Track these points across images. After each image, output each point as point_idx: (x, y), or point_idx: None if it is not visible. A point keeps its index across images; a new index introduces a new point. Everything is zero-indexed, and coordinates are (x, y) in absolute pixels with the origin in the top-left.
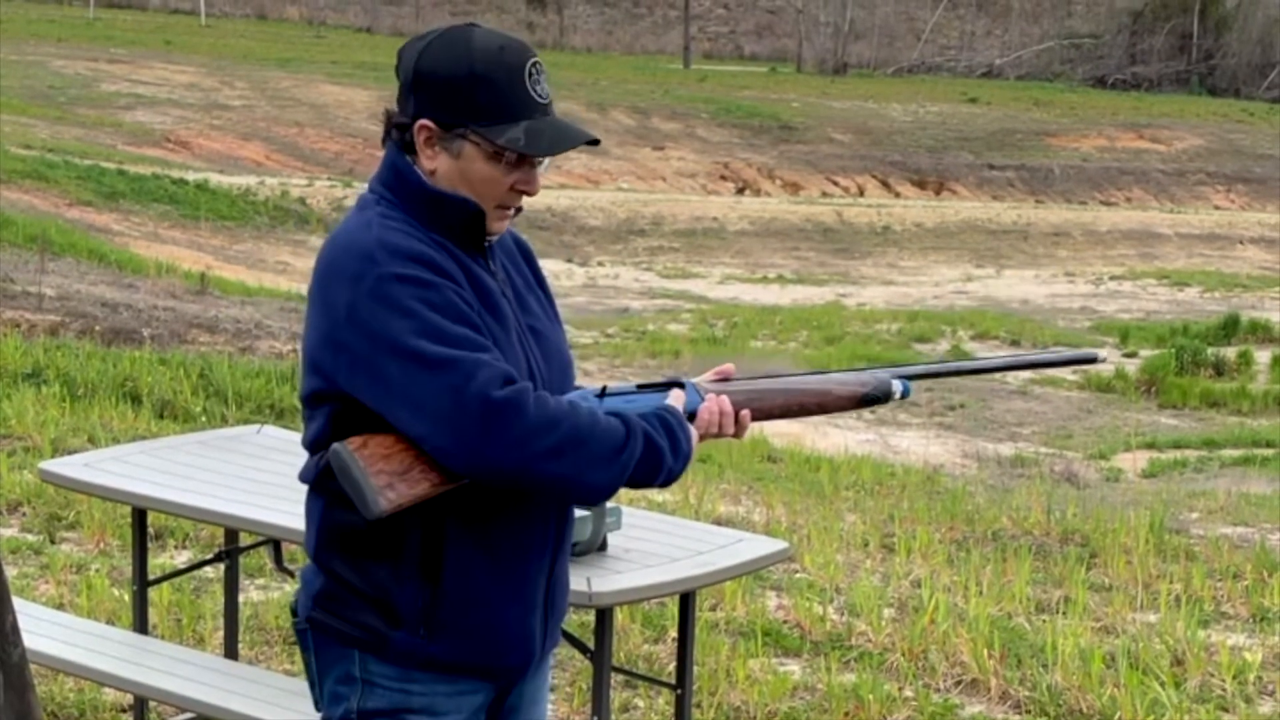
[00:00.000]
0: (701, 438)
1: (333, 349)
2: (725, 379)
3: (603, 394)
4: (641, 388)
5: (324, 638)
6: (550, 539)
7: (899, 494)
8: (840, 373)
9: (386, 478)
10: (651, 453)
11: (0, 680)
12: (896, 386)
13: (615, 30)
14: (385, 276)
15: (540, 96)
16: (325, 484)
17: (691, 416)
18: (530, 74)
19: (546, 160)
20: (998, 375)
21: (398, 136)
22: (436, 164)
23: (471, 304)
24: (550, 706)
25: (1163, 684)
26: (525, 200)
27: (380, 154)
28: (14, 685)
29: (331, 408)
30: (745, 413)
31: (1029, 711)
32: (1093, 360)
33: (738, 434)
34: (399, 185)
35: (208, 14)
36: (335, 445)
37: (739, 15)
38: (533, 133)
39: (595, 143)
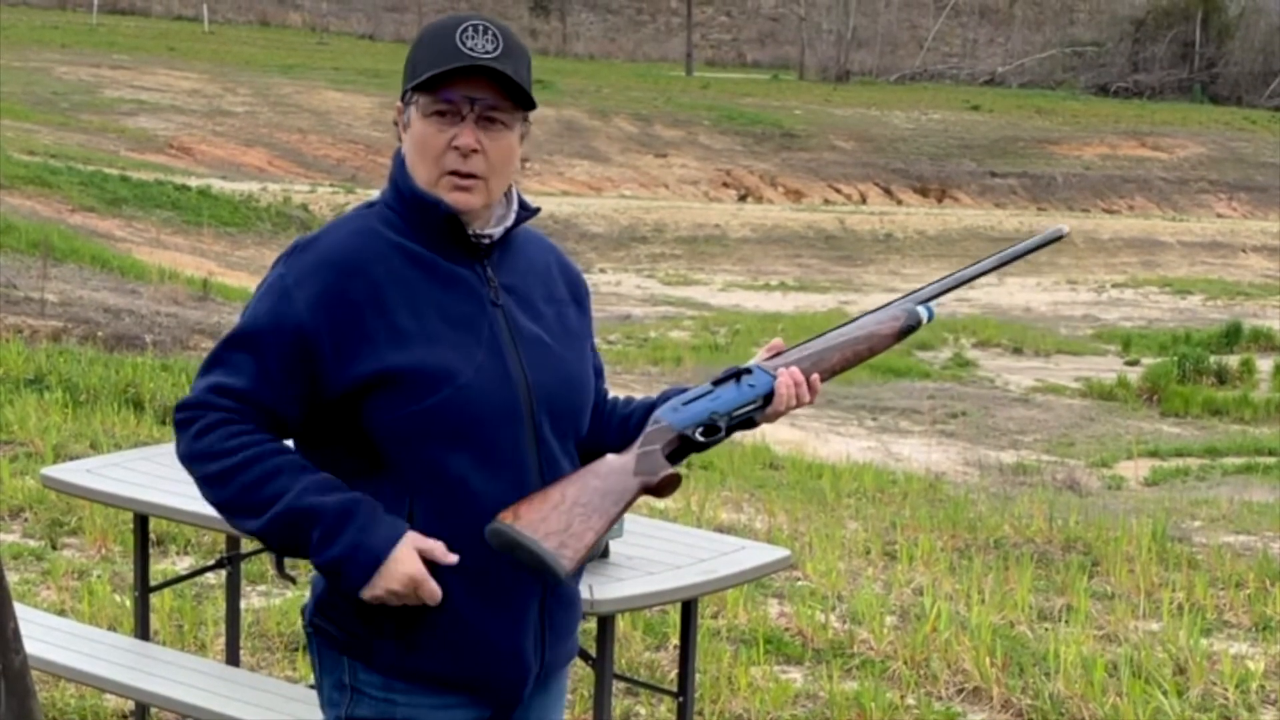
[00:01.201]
0: (782, 412)
1: None
2: (779, 353)
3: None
4: (715, 383)
5: (323, 642)
6: None
7: (901, 502)
8: (870, 314)
9: (556, 539)
10: (299, 538)
11: (2, 687)
12: (922, 313)
13: (618, 37)
14: (277, 269)
15: (470, 49)
16: None
17: (769, 398)
18: (464, 31)
19: (518, 130)
20: (999, 383)
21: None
22: (406, 144)
23: (421, 299)
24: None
25: (1165, 693)
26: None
27: (381, 160)
28: (15, 692)
29: None
30: (815, 377)
31: None
32: (1060, 236)
33: (811, 399)
34: (394, 187)
35: (211, 20)
36: (492, 527)
37: (741, 23)
38: (437, 68)
39: (525, 104)
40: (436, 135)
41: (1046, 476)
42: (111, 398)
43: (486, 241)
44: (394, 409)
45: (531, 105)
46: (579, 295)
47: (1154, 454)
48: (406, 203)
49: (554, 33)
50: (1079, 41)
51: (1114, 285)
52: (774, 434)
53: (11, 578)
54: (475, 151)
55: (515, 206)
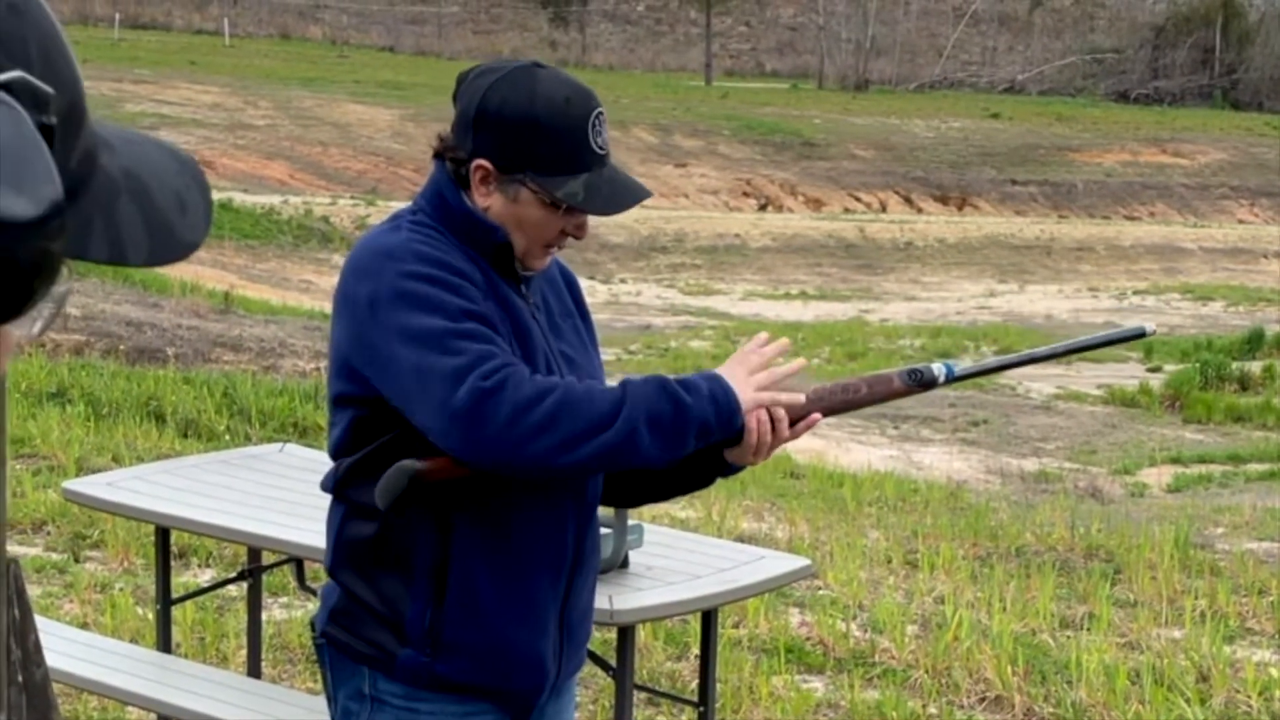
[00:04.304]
0: (754, 447)
1: (357, 344)
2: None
3: None
4: None
5: (338, 653)
6: (566, 561)
7: (922, 510)
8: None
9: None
10: (667, 404)
11: (23, 701)
12: (938, 370)
13: (637, 48)
14: (405, 273)
15: (599, 148)
16: (344, 494)
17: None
18: (593, 125)
19: None
20: (1021, 391)
21: (451, 169)
22: (490, 202)
23: (491, 312)
24: None
25: (1188, 701)
26: None
27: (402, 172)
28: (37, 705)
29: (354, 413)
30: (815, 415)
31: None
32: (1142, 334)
33: (789, 433)
34: (439, 203)
35: (231, 34)
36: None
37: (760, 32)
38: (592, 188)
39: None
40: (554, 222)
41: (1069, 484)
42: (133, 411)
43: (527, 275)
44: None
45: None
46: (580, 302)
47: (1176, 461)
48: (457, 220)
49: (573, 43)
50: (1099, 48)
51: (1135, 292)
52: (794, 443)
53: (34, 591)
54: None
55: None
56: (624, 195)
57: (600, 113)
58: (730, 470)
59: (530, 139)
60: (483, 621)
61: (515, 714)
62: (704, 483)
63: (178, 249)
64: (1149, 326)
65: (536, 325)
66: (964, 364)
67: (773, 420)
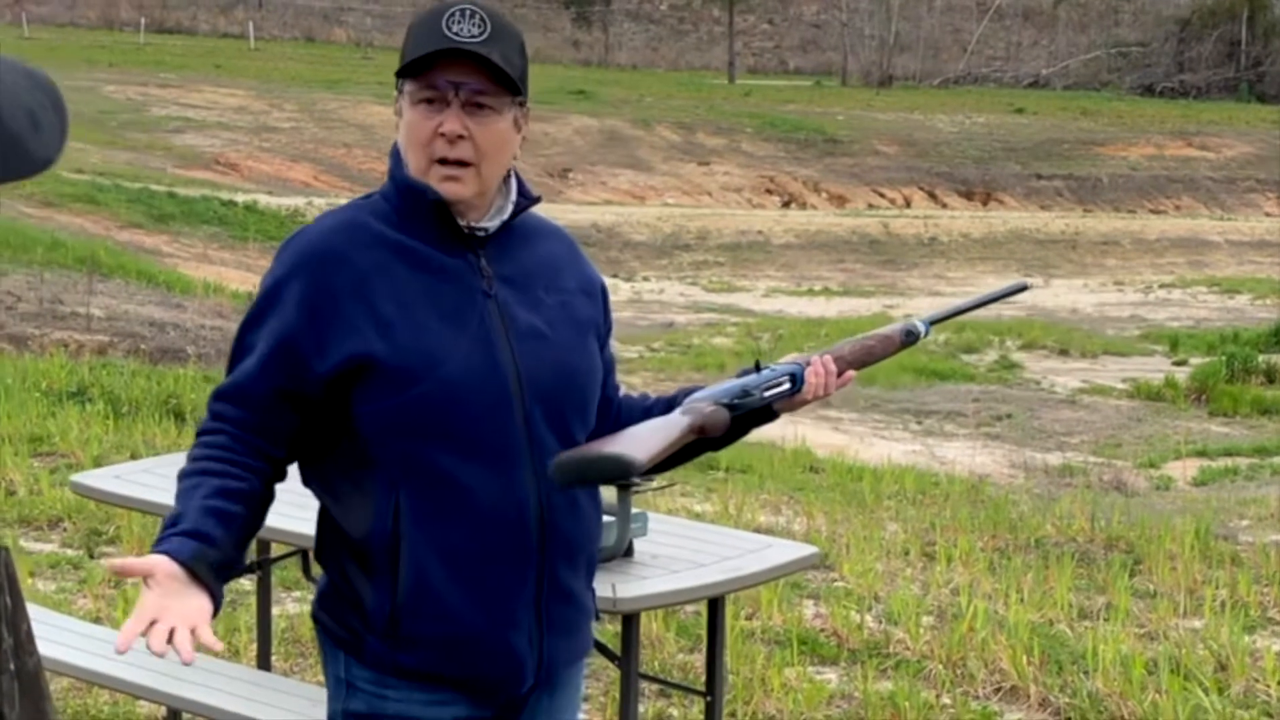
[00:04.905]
0: (808, 400)
1: None
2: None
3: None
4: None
5: (324, 636)
6: (530, 545)
7: (942, 503)
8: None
9: (620, 446)
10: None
11: (16, 688)
12: (921, 327)
13: (660, 47)
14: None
15: (454, 34)
16: (313, 485)
17: (793, 381)
18: (450, 16)
19: (510, 115)
20: (1045, 385)
21: None
22: (399, 133)
23: (375, 299)
24: (581, 716)
25: (1206, 690)
26: (564, 215)
27: None
28: (30, 693)
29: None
30: (850, 373)
31: (1069, 718)
32: (1024, 288)
33: (835, 384)
34: (392, 181)
35: (256, 37)
36: (554, 463)
37: (783, 30)
38: (423, 56)
39: (511, 89)
40: (423, 122)
41: (1093, 478)
42: (153, 409)
43: (481, 234)
44: (376, 400)
45: (517, 90)
46: (590, 288)
47: (1202, 454)
48: (401, 192)
49: (596, 43)
50: (1123, 42)
51: (1161, 285)
52: (815, 438)
53: (49, 587)
54: (461, 138)
55: (514, 196)
56: (445, 50)
57: (465, 9)
58: (773, 418)
59: (403, 47)
60: (437, 612)
61: (496, 707)
62: (743, 434)
63: (30, 165)
64: (1027, 281)
65: (484, 298)
66: (933, 313)
67: (825, 374)
